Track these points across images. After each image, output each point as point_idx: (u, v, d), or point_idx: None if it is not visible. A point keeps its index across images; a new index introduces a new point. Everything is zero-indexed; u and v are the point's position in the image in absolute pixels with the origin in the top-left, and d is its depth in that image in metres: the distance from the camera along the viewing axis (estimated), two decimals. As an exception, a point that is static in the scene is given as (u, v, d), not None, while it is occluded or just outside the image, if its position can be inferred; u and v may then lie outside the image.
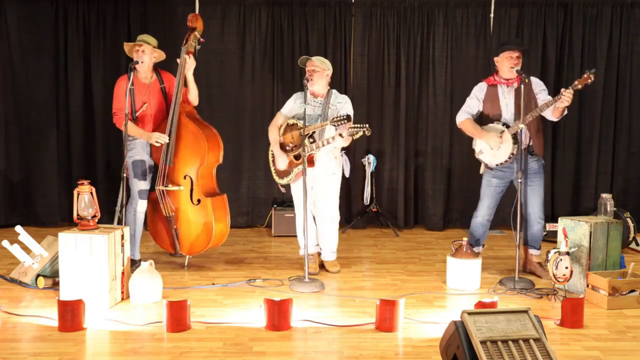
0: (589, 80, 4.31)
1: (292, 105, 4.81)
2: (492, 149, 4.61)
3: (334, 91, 4.81)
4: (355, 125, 4.40)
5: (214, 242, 4.75)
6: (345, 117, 4.36)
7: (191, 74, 4.71)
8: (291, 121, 4.69)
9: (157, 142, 4.64)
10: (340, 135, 4.39)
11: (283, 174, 4.77)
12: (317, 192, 4.77)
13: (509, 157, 4.55)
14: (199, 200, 4.69)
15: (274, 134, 4.80)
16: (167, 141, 4.63)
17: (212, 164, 4.79)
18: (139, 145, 4.77)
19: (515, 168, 4.62)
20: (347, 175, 4.89)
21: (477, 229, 4.85)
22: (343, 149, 4.79)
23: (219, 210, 4.75)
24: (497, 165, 4.64)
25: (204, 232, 4.71)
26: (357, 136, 4.43)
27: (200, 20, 4.77)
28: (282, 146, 4.76)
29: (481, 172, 4.83)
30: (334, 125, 4.41)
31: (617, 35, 6.48)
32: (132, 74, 4.65)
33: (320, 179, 4.72)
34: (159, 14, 6.35)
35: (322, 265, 4.94)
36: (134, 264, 4.70)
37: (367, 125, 4.41)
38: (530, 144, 4.61)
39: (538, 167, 4.66)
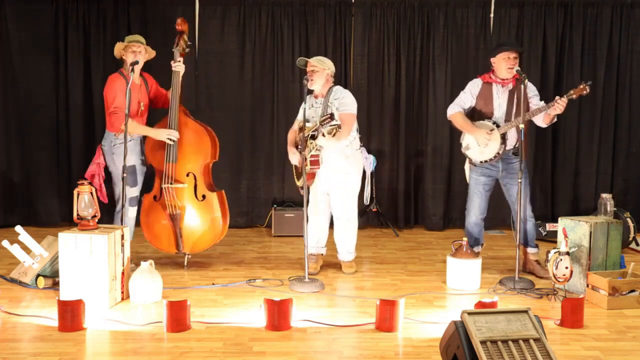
0: (584, 92, 4.36)
1: (301, 109, 4.81)
2: (480, 146, 4.62)
3: (336, 88, 4.77)
4: (332, 124, 4.33)
5: (219, 237, 4.84)
6: (328, 116, 4.33)
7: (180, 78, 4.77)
8: (301, 124, 4.70)
9: (168, 138, 4.66)
10: (323, 134, 4.38)
11: (299, 175, 4.78)
12: (332, 193, 4.78)
13: (495, 156, 4.58)
14: (203, 196, 4.75)
15: (291, 136, 4.87)
16: (178, 136, 4.68)
17: (212, 161, 4.88)
18: (129, 149, 4.58)
19: (500, 167, 4.67)
20: (366, 170, 4.89)
21: (472, 229, 4.88)
22: (361, 145, 4.81)
23: (223, 205, 4.85)
24: (481, 162, 4.66)
25: (210, 228, 4.77)
26: (332, 133, 4.39)
27: (187, 23, 4.84)
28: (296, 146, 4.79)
29: (465, 167, 4.85)
30: (322, 125, 4.39)
31: (617, 35, 6.48)
32: (132, 74, 4.64)
33: (332, 180, 4.72)
34: (159, 13, 6.36)
35: (333, 266, 4.96)
36: None
37: (338, 123, 4.34)
38: (516, 145, 4.63)
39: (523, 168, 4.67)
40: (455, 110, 4.75)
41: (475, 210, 4.83)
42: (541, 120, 4.60)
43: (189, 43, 4.83)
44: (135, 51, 4.74)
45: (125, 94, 4.52)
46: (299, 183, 4.83)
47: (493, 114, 4.65)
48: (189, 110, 4.91)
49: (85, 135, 6.42)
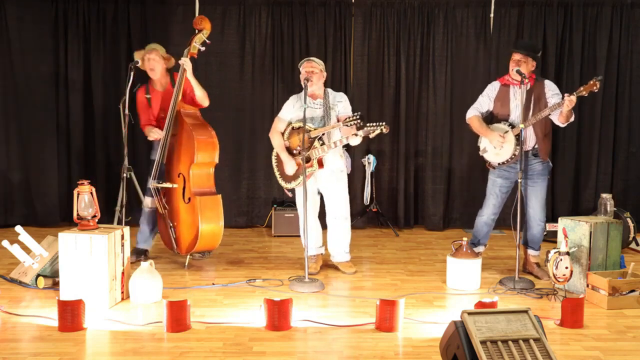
0: (595, 88, 4.29)
1: (291, 109, 4.78)
2: (495, 148, 4.62)
3: (330, 90, 4.82)
4: (372, 125, 4.42)
5: (201, 243, 4.71)
6: (358, 116, 4.36)
7: (191, 75, 4.73)
8: (296, 124, 4.68)
9: (150, 136, 4.81)
10: (355, 134, 4.40)
11: (290, 177, 4.75)
12: (327, 192, 4.78)
13: (511, 157, 4.56)
14: (189, 199, 4.73)
15: (278, 139, 4.78)
16: (157, 137, 4.77)
17: (206, 164, 4.78)
18: (155, 145, 4.93)
19: (519, 169, 4.63)
20: (348, 171, 4.90)
21: (481, 227, 4.86)
22: (344, 146, 4.81)
23: (209, 211, 4.70)
24: (499, 164, 4.65)
25: (193, 231, 4.72)
26: (373, 135, 4.45)
27: (208, 22, 4.80)
28: (289, 150, 4.75)
29: (487, 166, 4.84)
30: (347, 126, 4.41)
31: (617, 35, 6.48)
32: (131, 73, 4.64)
33: (329, 178, 4.72)
34: (158, 14, 6.35)
35: (330, 267, 4.93)
36: (138, 252, 4.98)
37: (384, 123, 4.43)
38: (536, 146, 4.61)
39: (542, 169, 4.65)
40: (472, 114, 4.76)
41: (489, 209, 4.82)
42: (557, 120, 4.54)
43: (207, 42, 4.78)
44: (150, 58, 4.81)
45: (142, 109, 4.90)
46: (289, 185, 4.77)
47: (509, 116, 4.63)
48: (189, 110, 4.90)
49: (85, 135, 6.42)
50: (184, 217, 4.74)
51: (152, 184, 4.78)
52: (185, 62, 4.68)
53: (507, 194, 4.81)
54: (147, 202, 4.96)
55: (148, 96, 4.90)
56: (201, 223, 4.64)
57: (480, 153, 4.78)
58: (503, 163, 4.63)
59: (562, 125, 4.61)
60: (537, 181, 4.64)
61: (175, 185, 4.75)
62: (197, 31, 4.78)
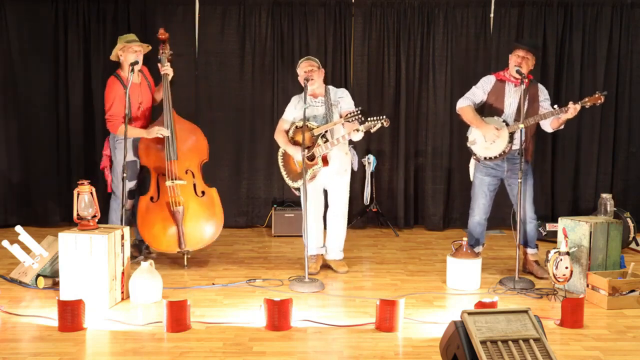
0: (599, 101, 4.34)
1: (293, 110, 4.80)
2: (487, 142, 4.61)
3: (331, 87, 4.83)
4: (372, 118, 4.44)
5: (217, 234, 4.92)
6: (358, 111, 4.37)
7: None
8: (299, 123, 4.68)
9: (160, 134, 4.75)
10: (357, 130, 4.41)
11: (297, 176, 4.75)
12: (331, 188, 4.80)
13: (500, 154, 4.56)
14: (203, 192, 4.85)
15: (282, 137, 4.79)
16: (169, 134, 4.76)
17: (206, 158, 5.02)
18: (128, 145, 4.73)
19: (506, 167, 4.66)
20: (354, 168, 4.92)
21: (474, 228, 4.86)
22: (351, 143, 4.82)
23: (219, 201, 4.95)
24: (485, 158, 4.64)
25: (213, 222, 4.87)
26: (374, 129, 4.46)
27: (167, 34, 4.98)
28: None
29: (470, 166, 4.87)
30: (349, 121, 4.43)
31: (617, 35, 6.48)
32: (132, 75, 4.69)
33: (334, 177, 4.74)
34: (158, 14, 6.35)
35: (327, 267, 4.93)
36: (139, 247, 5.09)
37: (384, 117, 4.44)
38: (523, 147, 4.62)
39: (526, 169, 4.65)
40: (465, 104, 4.74)
41: (480, 210, 4.81)
42: (548, 125, 4.57)
43: (171, 52, 4.96)
44: (136, 51, 4.82)
45: (122, 101, 4.66)
46: (295, 184, 4.78)
47: (503, 112, 4.63)
48: (189, 110, 4.98)
49: (85, 135, 6.42)
50: (199, 210, 4.84)
51: (169, 183, 4.75)
52: (168, 68, 4.86)
53: (494, 192, 4.81)
54: (128, 204, 4.92)
55: (127, 92, 4.66)
56: (222, 212, 4.90)
57: (468, 144, 4.76)
58: (490, 158, 4.63)
59: (549, 131, 4.65)
60: (523, 180, 4.64)
61: (185, 182, 4.81)
62: (162, 42, 4.93)
